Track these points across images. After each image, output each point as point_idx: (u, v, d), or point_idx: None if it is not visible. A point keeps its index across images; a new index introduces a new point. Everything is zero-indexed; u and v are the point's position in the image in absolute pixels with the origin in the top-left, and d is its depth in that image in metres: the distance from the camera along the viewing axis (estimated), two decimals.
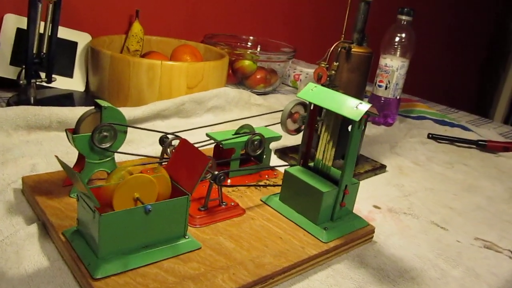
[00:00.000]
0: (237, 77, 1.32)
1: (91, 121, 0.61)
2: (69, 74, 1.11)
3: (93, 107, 0.62)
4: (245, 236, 0.58)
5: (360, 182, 0.83)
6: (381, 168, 0.89)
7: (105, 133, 0.61)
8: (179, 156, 0.56)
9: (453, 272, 0.61)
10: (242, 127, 0.73)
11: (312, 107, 0.64)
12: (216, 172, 0.59)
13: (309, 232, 0.60)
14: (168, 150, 0.68)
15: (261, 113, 0.92)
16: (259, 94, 1.29)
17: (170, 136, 0.69)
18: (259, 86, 1.32)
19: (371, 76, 1.09)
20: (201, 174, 0.52)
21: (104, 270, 0.47)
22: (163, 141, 0.69)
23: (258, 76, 1.32)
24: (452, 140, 1.13)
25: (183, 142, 0.56)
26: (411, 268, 0.60)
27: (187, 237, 0.54)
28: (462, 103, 1.82)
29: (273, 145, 0.93)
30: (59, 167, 0.73)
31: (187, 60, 1.15)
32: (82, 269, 0.48)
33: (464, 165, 0.99)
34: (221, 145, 0.69)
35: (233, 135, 0.72)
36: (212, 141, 0.71)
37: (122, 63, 0.99)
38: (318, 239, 0.59)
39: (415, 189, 0.84)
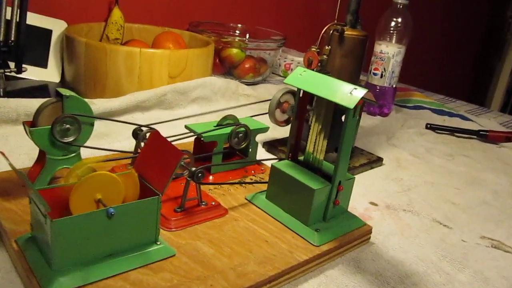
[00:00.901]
0: (224, 67, 1.25)
1: (52, 113, 0.54)
2: (43, 64, 1.04)
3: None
4: (226, 240, 0.51)
5: (356, 176, 0.77)
6: (378, 161, 0.83)
7: (67, 126, 0.54)
8: (149, 151, 0.49)
9: (459, 276, 0.55)
10: (225, 118, 0.66)
11: (301, 94, 0.58)
12: (194, 168, 0.53)
13: (298, 234, 0.53)
14: (142, 144, 0.61)
15: (248, 103, 0.85)
16: (248, 84, 1.22)
17: (144, 129, 0.62)
18: (248, 75, 1.25)
19: (366, 64, 1.03)
20: (173, 171, 0.45)
21: (59, 285, 0.40)
22: (137, 134, 0.62)
23: (246, 66, 1.25)
24: (451, 131, 1.07)
25: (154, 135, 0.49)
26: (413, 273, 0.54)
27: (158, 243, 0.47)
28: (457, 92, 1.76)
29: (261, 138, 0.87)
30: (24, 164, 0.66)
31: (170, 48, 1.08)
32: (34, 284, 0.41)
33: (465, 157, 0.93)
34: (201, 138, 0.62)
35: (215, 126, 0.65)
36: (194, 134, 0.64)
37: (98, 51, 0.92)
38: (309, 242, 0.52)
39: (415, 183, 0.78)
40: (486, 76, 2.74)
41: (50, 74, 1.04)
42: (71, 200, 0.43)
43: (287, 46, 1.39)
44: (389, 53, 1.08)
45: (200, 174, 0.52)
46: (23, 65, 0.93)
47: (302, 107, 0.58)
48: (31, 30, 1.01)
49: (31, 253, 0.44)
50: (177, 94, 0.96)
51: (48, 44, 1.05)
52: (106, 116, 0.87)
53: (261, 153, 0.81)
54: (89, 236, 0.42)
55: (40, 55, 1.03)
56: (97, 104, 0.85)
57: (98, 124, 0.85)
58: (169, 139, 0.65)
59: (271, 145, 0.83)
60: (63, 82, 1.04)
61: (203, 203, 0.56)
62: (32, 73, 1.01)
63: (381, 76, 1.10)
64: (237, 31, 1.42)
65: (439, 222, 0.66)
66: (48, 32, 1.05)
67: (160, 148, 0.48)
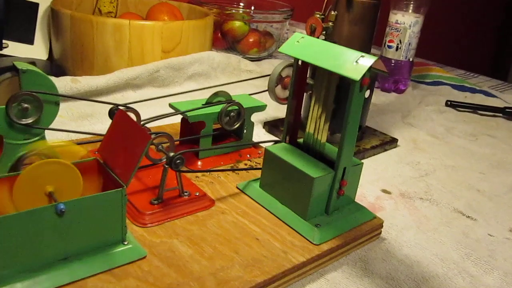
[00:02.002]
0: (227, 41, 1.16)
1: (8, 90, 0.47)
2: (29, 41, 0.96)
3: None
4: (209, 238, 0.43)
5: (366, 160, 0.69)
6: (392, 142, 0.74)
7: (25, 105, 0.46)
8: (115, 134, 0.41)
9: (486, 278, 0.46)
10: (215, 94, 0.58)
11: (300, 65, 0.49)
12: (172, 154, 0.45)
13: (295, 230, 0.45)
14: None
15: (245, 79, 0.77)
16: (252, 60, 1.13)
17: (122, 108, 0.54)
18: (252, 50, 1.16)
19: (379, 36, 0.93)
20: (140, 158, 0.38)
21: None
22: (113, 114, 0.54)
23: (250, 40, 1.16)
24: (474, 108, 0.97)
25: (119, 115, 0.41)
26: (431, 275, 0.46)
27: (126, 242, 0.40)
28: (478, 67, 1.64)
29: (261, 117, 0.78)
30: None
31: (165, 20, 0.99)
32: None
33: (490, 137, 0.84)
34: (186, 118, 0.54)
35: (203, 105, 0.57)
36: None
37: (84, 25, 0.84)
38: (308, 240, 0.44)
39: (433, 167, 0.69)
40: (510, 49, 2.59)
41: (36, 51, 0.97)
42: (14, 194, 0.35)
43: (295, 19, 1.29)
44: (406, 23, 0.98)
45: (178, 161, 0.45)
46: (4, 41, 0.85)
47: (300, 80, 0.50)
48: (15, 4, 0.94)
49: None
50: (171, 70, 0.88)
51: (34, 18, 0.97)
52: (92, 95, 0.80)
53: (261, 135, 0.73)
54: (35, 238, 0.35)
55: (26, 31, 0.96)
56: (82, 82, 0.77)
57: (82, 103, 0.78)
58: (154, 120, 0.58)
59: (272, 126, 0.75)
60: (51, 59, 0.97)
61: (186, 193, 0.48)
62: (17, 50, 0.94)
63: (397, 49, 1.00)
64: (241, 3, 1.32)
65: (461, 212, 0.57)
66: (34, 6, 0.97)
67: (127, 131, 0.40)
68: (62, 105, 0.76)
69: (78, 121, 0.72)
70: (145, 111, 0.77)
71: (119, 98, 0.83)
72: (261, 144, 0.62)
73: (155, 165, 0.51)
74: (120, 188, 0.38)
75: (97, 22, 0.83)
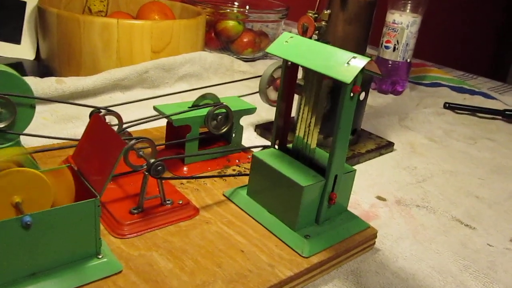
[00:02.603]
0: (221, 41, 1.14)
1: None
2: (16, 40, 0.94)
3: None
4: (191, 251, 0.41)
5: (361, 164, 0.66)
6: (388, 146, 0.71)
7: None
8: (90, 140, 0.39)
9: None
10: (203, 97, 0.55)
11: (289, 66, 0.46)
12: (152, 160, 0.42)
13: (284, 242, 0.43)
14: None
15: (235, 80, 0.74)
16: (246, 60, 1.10)
17: (103, 111, 0.52)
18: (247, 51, 1.14)
19: (376, 36, 0.90)
20: (114, 166, 0.35)
21: None
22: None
23: (245, 40, 1.13)
24: (473, 110, 0.95)
25: (95, 119, 0.39)
26: None
27: (100, 256, 0.37)
28: (478, 68, 1.62)
29: (253, 120, 0.76)
30: None
31: (155, 19, 0.96)
32: None
33: (489, 141, 0.81)
34: (171, 121, 0.52)
35: (189, 107, 0.54)
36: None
37: (71, 24, 0.81)
38: (296, 253, 0.42)
39: (431, 172, 0.66)
40: (510, 50, 2.57)
41: (24, 50, 0.94)
42: None
43: (291, 18, 1.26)
44: (403, 23, 0.96)
45: (159, 168, 0.42)
46: None
47: (290, 82, 0.47)
48: (1, 2, 0.91)
49: None
50: (161, 71, 0.85)
51: (21, 17, 0.94)
52: (78, 97, 0.77)
53: (252, 138, 0.70)
54: (1, 252, 0.32)
55: (12, 30, 0.93)
56: (67, 83, 0.75)
57: (67, 105, 0.75)
58: (136, 124, 0.55)
59: (264, 129, 0.72)
60: (38, 59, 0.94)
61: (168, 202, 0.45)
62: (3, 50, 0.91)
63: (394, 50, 0.98)
64: (236, 3, 1.30)
65: (459, 221, 0.55)
66: (22, 4, 0.95)
67: (101, 136, 0.37)
68: (46, 107, 0.73)
69: (62, 123, 0.69)
70: (133, 113, 0.74)
71: (107, 99, 0.80)
72: (253, 148, 0.59)
73: (136, 172, 0.48)
74: (93, 199, 0.35)
75: (84, 21, 0.80)
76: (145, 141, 0.45)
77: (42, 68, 0.90)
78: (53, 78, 0.75)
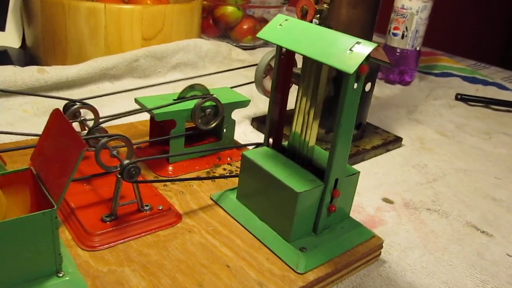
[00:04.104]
0: (219, 28, 1.08)
1: None
2: (1, 27, 0.88)
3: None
4: (169, 266, 0.35)
5: (366, 162, 0.61)
6: (396, 141, 0.66)
7: None
8: (49, 139, 0.33)
9: None
10: (190, 88, 0.50)
11: (284, 53, 0.41)
12: (126, 162, 0.37)
13: (276, 255, 0.38)
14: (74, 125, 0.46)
15: (230, 69, 0.69)
16: (246, 48, 1.04)
17: (78, 104, 0.46)
18: (247, 38, 1.08)
19: (383, 23, 0.84)
20: (73, 171, 0.30)
21: None
22: (68, 110, 0.46)
23: (245, 27, 1.07)
24: (487, 102, 0.89)
25: (55, 115, 0.33)
26: None
27: (61, 274, 0.32)
28: (489, 57, 1.54)
29: (250, 112, 0.70)
30: None
31: (146, 4, 0.90)
32: None
33: (505, 135, 0.75)
34: (152, 116, 0.46)
35: (174, 100, 0.49)
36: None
37: (55, 8, 0.75)
38: (290, 268, 0.36)
39: (443, 171, 0.61)
40: None
41: (9, 38, 0.89)
42: None
43: (293, 4, 1.20)
44: (413, 8, 0.89)
45: (133, 170, 0.37)
46: None
47: (286, 71, 0.41)
48: None
49: None
50: (152, 60, 0.80)
51: (5, 3, 0.89)
52: (63, 87, 0.72)
53: (248, 133, 0.65)
54: None
55: None
56: (50, 72, 0.70)
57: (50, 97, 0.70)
58: (113, 118, 0.50)
59: (262, 122, 0.67)
60: (24, 47, 0.89)
61: (146, 207, 0.40)
62: None
63: (402, 37, 0.91)
64: None
65: (475, 227, 0.49)
66: None
67: (61, 135, 0.32)
68: (27, 99, 0.68)
69: (43, 116, 0.64)
70: (121, 105, 0.69)
71: (95, 90, 0.75)
72: (244, 146, 0.54)
73: (111, 174, 0.43)
74: (49, 209, 0.30)
75: (69, 6, 0.75)
76: (120, 139, 0.39)
77: (28, 56, 0.85)
78: (34, 67, 0.70)
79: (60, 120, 0.32)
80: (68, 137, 0.31)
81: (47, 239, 0.31)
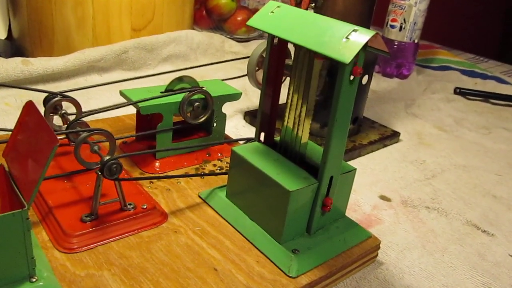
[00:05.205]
0: (212, 20, 1.05)
1: None
2: None
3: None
4: (152, 269, 0.33)
5: (363, 158, 0.59)
6: (393, 136, 0.64)
7: None
8: (21, 134, 0.31)
9: None
10: (178, 80, 0.47)
11: (275, 43, 0.38)
12: (107, 158, 0.34)
13: (267, 257, 0.35)
14: (55, 118, 0.44)
15: (222, 60, 0.66)
16: (240, 40, 1.02)
17: (59, 97, 0.44)
18: (241, 30, 1.05)
19: (381, 15, 0.82)
20: (44, 168, 0.27)
21: None
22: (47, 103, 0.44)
23: (239, 18, 1.05)
24: (486, 96, 0.87)
25: (27, 107, 0.31)
26: None
27: (35, 279, 0.30)
28: (487, 51, 1.52)
29: (242, 106, 0.68)
30: None
31: None
32: None
33: (505, 130, 0.73)
34: (138, 109, 0.44)
35: (162, 92, 0.46)
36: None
37: None
38: (282, 271, 0.34)
39: (441, 167, 0.59)
40: None
41: None
42: None
43: None
44: (411, 0, 0.87)
45: (114, 166, 0.34)
46: None
47: (277, 61, 0.39)
48: None
49: None
50: (142, 51, 0.77)
51: None
52: (49, 79, 0.69)
53: (240, 127, 0.63)
54: None
55: None
56: (35, 64, 0.67)
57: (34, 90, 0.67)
58: (96, 112, 0.47)
59: (255, 116, 0.65)
60: (10, 38, 0.86)
61: (129, 206, 0.38)
62: None
63: (400, 29, 0.89)
64: None
65: (475, 226, 0.47)
66: None
67: (34, 129, 0.30)
68: (11, 91, 0.65)
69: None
70: (109, 98, 0.67)
71: (82, 82, 0.72)
72: (234, 141, 0.52)
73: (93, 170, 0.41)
74: (19, 210, 0.27)
75: None
76: (101, 133, 0.37)
77: (15, 48, 0.82)
78: (19, 59, 0.67)
79: (33, 113, 0.30)
80: (41, 132, 0.29)
81: (18, 242, 0.28)
